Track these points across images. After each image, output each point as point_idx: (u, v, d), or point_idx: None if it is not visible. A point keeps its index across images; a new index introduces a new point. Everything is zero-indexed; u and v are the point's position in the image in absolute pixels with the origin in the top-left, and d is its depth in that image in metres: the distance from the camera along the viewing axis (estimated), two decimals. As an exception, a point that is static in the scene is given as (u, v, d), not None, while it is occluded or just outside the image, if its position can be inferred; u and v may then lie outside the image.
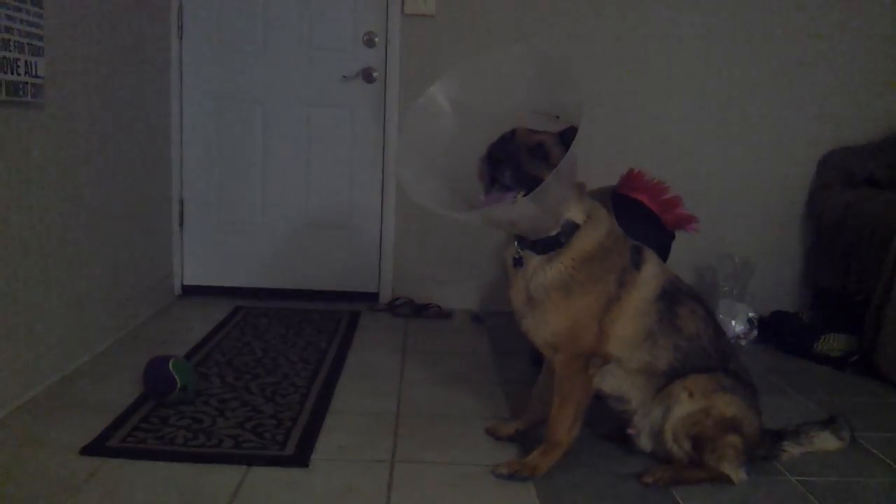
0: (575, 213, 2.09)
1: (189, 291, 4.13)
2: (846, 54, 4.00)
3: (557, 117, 2.08)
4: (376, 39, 3.96)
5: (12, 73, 2.36)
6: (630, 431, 2.24)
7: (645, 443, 2.23)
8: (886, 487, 2.22)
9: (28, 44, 2.44)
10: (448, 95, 2.18)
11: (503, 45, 3.73)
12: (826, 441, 2.36)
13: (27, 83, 2.45)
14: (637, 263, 2.15)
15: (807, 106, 4.04)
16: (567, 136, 2.01)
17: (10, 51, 2.35)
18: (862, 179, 3.89)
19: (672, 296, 2.17)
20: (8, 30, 2.33)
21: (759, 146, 4.07)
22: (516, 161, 1.98)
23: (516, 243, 2.13)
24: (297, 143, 4.07)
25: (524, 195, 1.95)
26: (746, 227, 4.10)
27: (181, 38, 3.93)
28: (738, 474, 2.14)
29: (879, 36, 3.99)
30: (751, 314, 3.66)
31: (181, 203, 4.06)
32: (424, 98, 2.19)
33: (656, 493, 2.11)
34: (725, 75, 4.02)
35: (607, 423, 2.38)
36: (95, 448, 2.20)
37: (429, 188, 2.12)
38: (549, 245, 2.09)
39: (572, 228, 2.09)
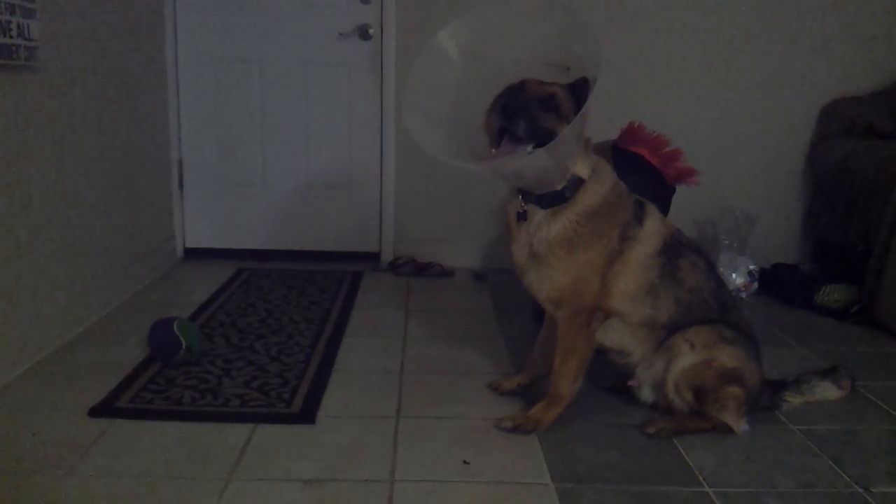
0: (581, 168, 2.09)
1: (191, 254, 4.13)
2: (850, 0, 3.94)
3: (568, 69, 2.06)
4: (372, -5, 3.90)
5: (5, 36, 2.33)
6: (632, 384, 2.26)
7: (647, 395, 2.25)
8: (887, 435, 2.25)
9: (20, 5, 2.40)
10: (458, 40, 2.14)
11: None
12: (827, 390, 2.39)
13: (20, 46, 2.41)
14: (640, 218, 2.15)
15: (809, 54, 3.99)
16: (578, 89, 1.99)
17: (1, 13, 2.31)
18: (864, 129, 3.86)
19: (673, 249, 2.18)
20: (-2, -9, 2.30)
21: (760, 96, 4.03)
22: (530, 113, 1.96)
23: (520, 197, 2.13)
24: (294, 102, 4.03)
25: (534, 148, 1.94)
26: (747, 179, 4.08)
27: (174, -4, 3.88)
28: (739, 424, 2.17)
29: (883, -19, 3.93)
30: (751, 266, 3.67)
31: (180, 165, 4.04)
32: (435, 41, 2.15)
33: (659, 443, 2.13)
34: (726, 23, 3.96)
35: (609, 376, 2.40)
36: (104, 409, 2.23)
37: (435, 137, 2.10)
38: (554, 199, 2.08)
39: (577, 183, 2.08)
